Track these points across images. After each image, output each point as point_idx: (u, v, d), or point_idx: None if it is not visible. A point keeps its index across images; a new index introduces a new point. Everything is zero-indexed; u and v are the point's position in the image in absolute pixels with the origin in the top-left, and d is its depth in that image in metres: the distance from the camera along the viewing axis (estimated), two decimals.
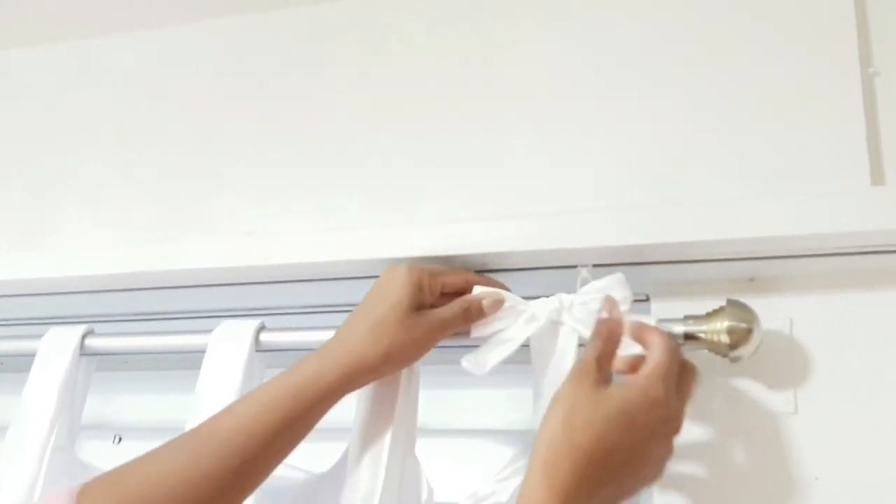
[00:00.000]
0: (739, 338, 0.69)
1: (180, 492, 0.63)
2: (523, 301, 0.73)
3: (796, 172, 0.79)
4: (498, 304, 0.73)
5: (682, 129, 0.85)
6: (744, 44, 0.85)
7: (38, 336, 0.89)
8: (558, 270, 0.76)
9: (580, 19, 0.92)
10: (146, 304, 0.94)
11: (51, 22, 1.16)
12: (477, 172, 0.90)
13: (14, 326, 1.01)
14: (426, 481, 0.73)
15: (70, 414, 0.86)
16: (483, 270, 0.78)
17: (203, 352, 0.82)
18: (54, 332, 0.89)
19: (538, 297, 0.73)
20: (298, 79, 1.02)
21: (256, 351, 0.81)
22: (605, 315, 0.66)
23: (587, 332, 0.69)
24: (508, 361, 0.71)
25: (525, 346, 0.72)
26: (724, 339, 0.69)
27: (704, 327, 0.70)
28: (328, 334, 0.71)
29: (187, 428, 0.70)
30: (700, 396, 0.73)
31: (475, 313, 0.72)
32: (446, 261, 0.77)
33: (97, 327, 0.90)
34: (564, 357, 0.70)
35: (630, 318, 0.66)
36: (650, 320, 0.69)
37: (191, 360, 0.83)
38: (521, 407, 0.87)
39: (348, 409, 0.72)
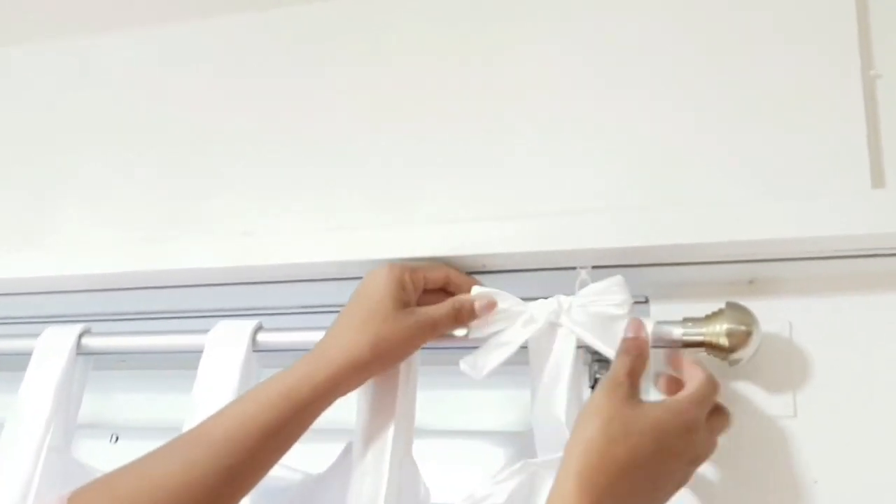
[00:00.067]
0: (738, 341, 0.68)
1: (173, 496, 0.62)
2: (522, 302, 0.73)
3: (796, 174, 0.79)
4: (490, 306, 0.73)
5: (682, 130, 0.84)
6: (744, 45, 0.85)
7: (35, 335, 0.89)
8: (557, 272, 0.76)
9: (580, 19, 0.92)
10: (144, 303, 0.94)
11: (50, 20, 1.16)
12: (476, 173, 0.90)
13: (11, 325, 1.01)
14: (423, 483, 0.73)
15: (66, 413, 0.86)
16: (482, 271, 0.78)
17: (200, 352, 0.82)
18: (51, 331, 0.89)
19: (537, 299, 0.73)
20: (298, 78, 1.02)
21: (253, 351, 0.81)
22: (631, 334, 0.67)
23: (585, 335, 0.69)
24: (506, 363, 0.71)
25: (523, 347, 0.72)
26: (724, 341, 0.69)
27: (703, 330, 0.70)
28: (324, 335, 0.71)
29: (185, 428, 0.70)
30: None
31: (467, 315, 0.72)
32: (445, 261, 0.77)
33: (94, 326, 0.90)
34: (562, 359, 0.70)
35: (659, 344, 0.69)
36: (650, 323, 0.70)
37: (189, 359, 0.83)
38: (518, 408, 0.87)
39: (344, 409, 0.72)
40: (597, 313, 0.70)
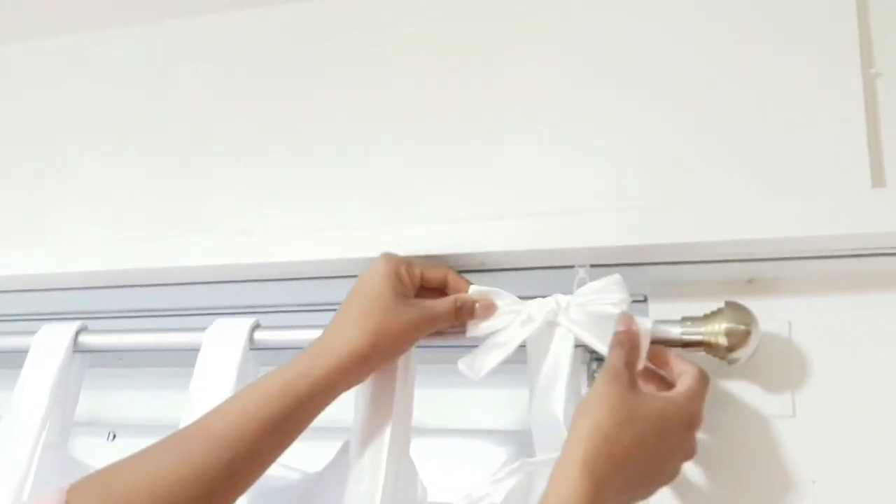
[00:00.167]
0: (738, 340, 0.68)
1: (171, 490, 0.62)
2: (520, 301, 0.73)
3: (796, 173, 0.78)
4: (490, 308, 0.73)
5: (681, 129, 0.84)
6: (744, 44, 0.84)
7: (32, 332, 0.89)
8: (556, 270, 0.76)
9: (580, 19, 0.92)
10: (141, 300, 0.94)
11: (48, 18, 1.15)
12: (475, 171, 0.90)
13: (7, 322, 1.01)
14: (420, 481, 0.72)
15: (63, 411, 0.86)
16: (480, 270, 0.78)
17: (198, 350, 0.82)
18: (48, 329, 0.88)
19: (535, 298, 0.73)
20: (296, 77, 1.02)
21: (251, 349, 0.81)
22: (622, 328, 0.68)
23: (583, 334, 0.69)
24: (504, 361, 0.70)
25: (521, 346, 0.72)
26: (722, 341, 0.68)
27: (702, 329, 0.69)
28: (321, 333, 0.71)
29: (181, 426, 0.70)
30: None
31: (467, 313, 0.73)
32: (444, 260, 0.77)
33: (91, 324, 0.90)
34: (560, 358, 0.70)
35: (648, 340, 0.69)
36: (648, 323, 0.69)
37: (187, 357, 0.83)
38: (517, 407, 0.87)
39: (341, 408, 0.72)
40: (595, 312, 0.70)
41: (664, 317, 0.72)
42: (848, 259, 0.71)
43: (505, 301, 0.73)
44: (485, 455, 0.87)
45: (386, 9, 1.00)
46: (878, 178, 0.76)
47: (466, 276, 0.76)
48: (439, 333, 0.73)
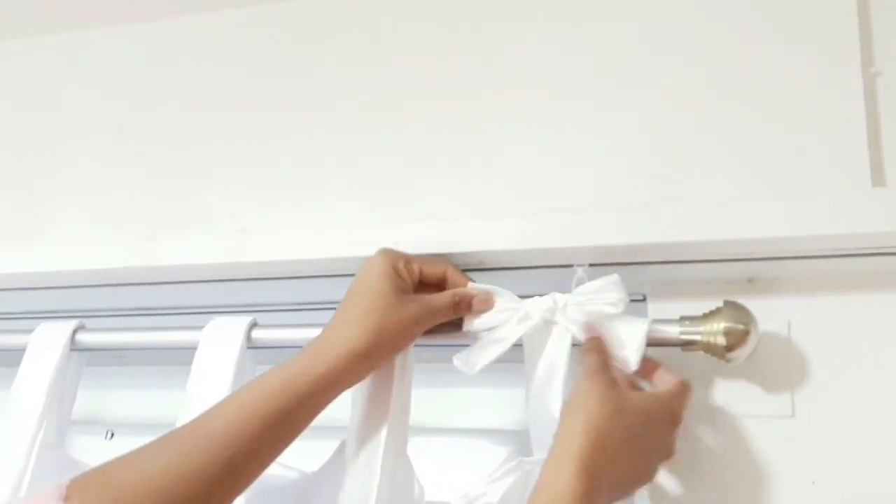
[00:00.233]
0: (736, 339, 0.68)
1: (171, 487, 0.62)
2: (517, 299, 0.72)
3: (796, 173, 0.78)
4: (487, 302, 0.73)
5: (681, 128, 0.84)
6: (744, 43, 0.84)
7: (29, 330, 0.89)
8: (554, 269, 0.76)
9: (579, 18, 0.91)
10: (138, 299, 0.93)
11: (45, 15, 1.15)
12: (474, 171, 0.90)
13: (5, 320, 1.01)
14: (417, 481, 0.72)
15: (60, 409, 0.86)
16: (479, 269, 0.78)
17: (195, 348, 0.81)
18: (45, 327, 0.88)
19: (533, 296, 0.73)
20: (295, 75, 1.02)
21: (248, 348, 0.81)
22: (587, 335, 0.69)
23: (580, 333, 0.69)
24: (501, 360, 0.70)
25: (518, 345, 0.71)
26: (721, 340, 0.68)
27: (701, 328, 0.69)
28: (320, 332, 0.70)
29: (179, 425, 0.69)
30: (696, 398, 0.73)
31: (464, 308, 0.73)
32: (442, 258, 0.77)
33: (89, 322, 0.89)
34: (557, 357, 0.70)
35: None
36: (645, 324, 0.69)
37: (185, 355, 0.82)
38: (515, 406, 0.87)
39: (339, 407, 0.72)
40: (592, 312, 0.69)
41: (663, 316, 0.72)
42: (848, 258, 0.70)
43: (503, 298, 0.73)
44: (483, 454, 0.87)
45: (386, 8, 1.00)
46: (878, 178, 0.76)
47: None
48: (438, 329, 0.73)
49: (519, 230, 0.75)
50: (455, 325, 0.74)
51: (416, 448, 0.74)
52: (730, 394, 0.73)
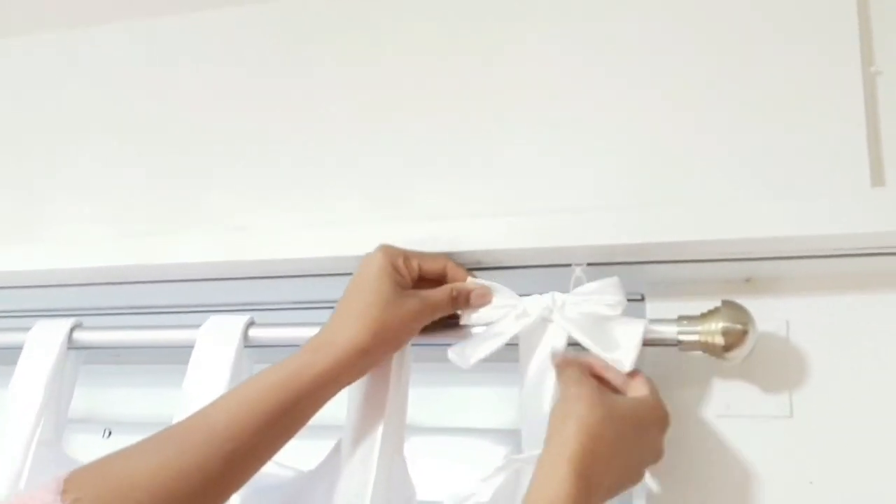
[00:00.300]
0: (734, 339, 0.68)
1: (170, 482, 0.61)
2: (515, 296, 0.73)
3: (795, 172, 0.78)
4: (485, 297, 0.73)
5: (680, 128, 0.84)
6: (744, 43, 0.84)
7: (26, 329, 0.88)
8: (552, 269, 0.75)
9: (578, 18, 0.91)
10: (136, 297, 0.93)
11: (44, 13, 1.15)
12: (472, 170, 0.90)
13: (2, 319, 1.00)
14: (411, 480, 0.72)
15: (57, 407, 0.86)
16: (477, 268, 0.77)
17: (192, 347, 0.81)
18: (42, 325, 0.88)
19: (532, 295, 0.72)
20: (294, 74, 1.01)
21: (245, 346, 0.81)
22: (559, 358, 0.69)
23: (576, 332, 0.69)
24: (499, 360, 0.70)
25: (515, 344, 0.71)
26: (719, 340, 0.68)
27: (699, 328, 0.69)
28: (317, 331, 0.70)
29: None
30: (694, 398, 0.73)
31: (462, 302, 0.73)
32: (442, 254, 0.76)
33: (86, 320, 0.89)
34: (551, 354, 0.69)
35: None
36: (641, 325, 0.69)
37: (182, 354, 0.82)
38: (512, 406, 0.86)
39: (336, 406, 0.71)
40: (589, 312, 0.69)
41: (661, 316, 0.72)
42: (847, 258, 0.70)
43: (501, 295, 0.73)
44: (480, 454, 0.87)
45: (385, 7, 1.00)
46: (877, 177, 0.76)
47: None
48: (437, 326, 0.73)
49: (517, 229, 0.75)
50: (454, 324, 0.74)
51: (414, 448, 0.74)
52: (728, 394, 0.73)
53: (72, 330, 0.87)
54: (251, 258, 0.83)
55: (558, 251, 0.74)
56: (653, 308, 0.76)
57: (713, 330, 0.68)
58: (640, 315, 0.73)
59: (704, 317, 0.69)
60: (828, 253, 0.70)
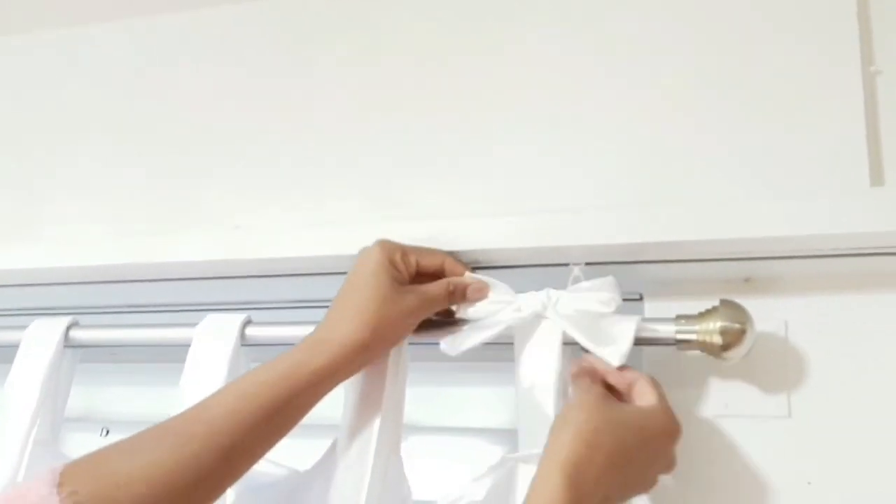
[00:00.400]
0: (732, 339, 0.67)
1: (165, 474, 0.61)
2: (512, 292, 0.73)
3: (795, 172, 0.78)
4: (482, 291, 0.73)
5: (679, 127, 0.83)
6: (744, 43, 0.84)
7: (23, 327, 0.88)
8: (550, 268, 0.75)
9: (578, 17, 0.91)
10: (133, 296, 0.93)
11: (43, 11, 1.15)
12: (471, 169, 0.89)
13: (0, 317, 1.00)
14: (406, 480, 0.72)
15: (53, 406, 0.86)
16: (475, 268, 0.77)
17: (189, 345, 0.81)
18: (38, 324, 0.88)
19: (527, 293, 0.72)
20: (293, 73, 1.01)
21: (242, 345, 0.80)
22: (574, 369, 0.69)
23: (569, 328, 0.69)
24: (496, 359, 0.70)
25: (511, 343, 0.71)
26: (717, 339, 0.68)
27: (697, 327, 0.69)
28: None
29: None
30: (692, 398, 0.73)
31: (459, 296, 0.73)
32: (440, 250, 0.76)
33: (83, 319, 0.89)
34: (546, 352, 0.69)
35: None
36: (633, 322, 0.69)
37: (180, 353, 0.82)
38: (509, 405, 0.86)
39: (333, 406, 0.71)
40: (583, 309, 0.69)
41: (659, 315, 0.71)
42: (846, 258, 0.70)
43: (498, 291, 0.73)
44: (477, 453, 0.87)
45: (385, 7, 1.00)
46: (876, 177, 0.75)
47: None
48: (434, 324, 0.73)
49: (516, 229, 0.75)
50: (451, 322, 0.74)
51: (412, 447, 0.74)
52: (726, 394, 0.73)
53: (68, 328, 0.87)
54: (248, 257, 0.83)
55: (557, 251, 0.74)
56: (651, 307, 0.76)
57: (711, 329, 0.68)
58: (639, 315, 0.73)
59: (703, 316, 0.69)
60: (827, 253, 0.69)
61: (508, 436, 0.85)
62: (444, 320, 0.75)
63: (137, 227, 1.00)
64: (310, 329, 0.70)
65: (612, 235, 0.72)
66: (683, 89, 0.84)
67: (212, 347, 0.80)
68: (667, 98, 0.85)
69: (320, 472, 0.73)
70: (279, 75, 1.02)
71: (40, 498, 0.57)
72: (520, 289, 0.73)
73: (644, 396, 0.66)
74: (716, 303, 0.70)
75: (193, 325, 0.82)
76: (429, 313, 0.72)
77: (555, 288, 0.72)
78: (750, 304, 0.70)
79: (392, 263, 0.71)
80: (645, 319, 0.70)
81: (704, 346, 0.68)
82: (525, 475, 0.65)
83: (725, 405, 0.72)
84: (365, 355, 0.69)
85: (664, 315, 0.71)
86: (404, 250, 0.73)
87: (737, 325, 0.68)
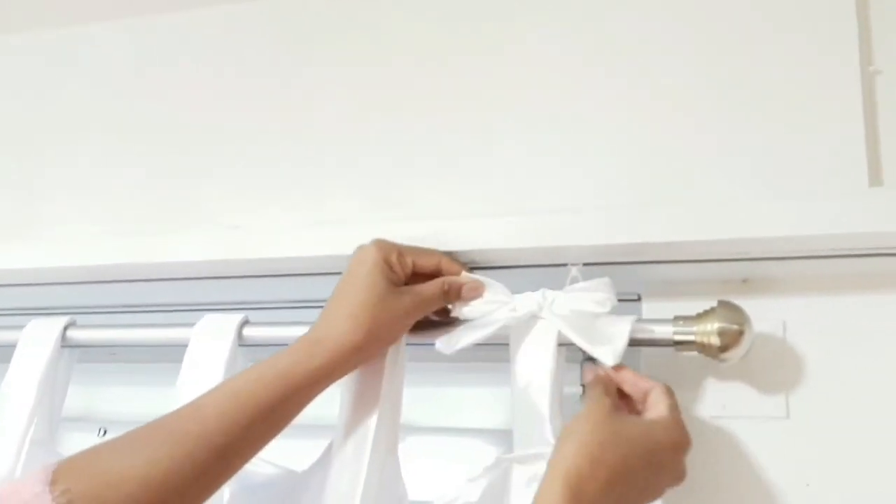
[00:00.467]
0: (730, 340, 0.67)
1: (158, 474, 0.61)
2: (507, 292, 0.73)
3: (793, 173, 0.78)
4: (477, 290, 0.73)
5: (678, 128, 0.83)
6: (743, 42, 0.84)
7: (20, 327, 0.88)
8: (548, 269, 0.75)
9: (577, 17, 0.91)
10: (130, 296, 0.93)
11: (41, 11, 1.15)
12: (469, 169, 0.89)
13: None
14: (402, 481, 0.71)
15: (50, 406, 0.86)
16: (473, 268, 0.77)
17: (186, 345, 0.81)
18: (35, 323, 0.88)
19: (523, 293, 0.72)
20: (292, 73, 1.01)
21: (239, 345, 0.80)
22: (589, 377, 0.69)
23: (564, 327, 0.69)
24: (492, 360, 0.70)
25: (507, 344, 0.71)
26: (715, 340, 0.67)
27: (694, 328, 0.68)
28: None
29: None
30: (690, 399, 0.72)
31: (454, 296, 0.73)
32: (436, 250, 0.76)
33: (80, 319, 0.89)
34: (541, 351, 0.69)
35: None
36: (628, 323, 0.69)
37: (178, 352, 0.82)
38: (504, 406, 0.86)
39: (330, 406, 0.71)
40: (579, 309, 0.69)
41: (657, 316, 0.71)
42: (844, 259, 0.70)
43: (493, 290, 0.73)
44: (474, 454, 0.87)
45: (385, 7, 1.00)
46: (875, 177, 0.75)
47: None
48: (430, 324, 0.73)
49: (514, 229, 0.75)
50: (449, 322, 0.74)
51: (410, 447, 0.74)
52: (724, 395, 0.72)
53: (65, 328, 0.87)
54: (246, 257, 0.83)
55: (555, 251, 0.74)
56: (649, 308, 0.76)
57: (709, 330, 0.68)
58: (636, 315, 0.73)
59: (700, 317, 0.69)
60: (825, 253, 0.69)
61: (504, 436, 0.84)
62: (441, 320, 0.75)
63: (136, 227, 1.00)
64: (306, 329, 0.70)
65: (610, 236, 0.72)
66: (682, 89, 0.84)
67: (209, 347, 0.80)
68: (665, 98, 0.85)
69: (316, 471, 0.73)
70: (279, 75, 1.02)
71: (33, 495, 0.57)
72: (518, 289, 0.73)
73: (656, 407, 0.65)
74: (714, 304, 0.70)
75: (191, 325, 0.82)
76: (424, 313, 0.72)
77: (552, 288, 0.72)
78: (748, 304, 0.70)
79: (388, 264, 0.71)
80: (642, 320, 0.70)
81: (702, 348, 0.68)
82: (520, 476, 0.65)
83: (723, 406, 0.72)
84: (359, 356, 0.69)
85: (662, 316, 0.71)
86: (400, 250, 0.72)
87: (735, 327, 0.67)
